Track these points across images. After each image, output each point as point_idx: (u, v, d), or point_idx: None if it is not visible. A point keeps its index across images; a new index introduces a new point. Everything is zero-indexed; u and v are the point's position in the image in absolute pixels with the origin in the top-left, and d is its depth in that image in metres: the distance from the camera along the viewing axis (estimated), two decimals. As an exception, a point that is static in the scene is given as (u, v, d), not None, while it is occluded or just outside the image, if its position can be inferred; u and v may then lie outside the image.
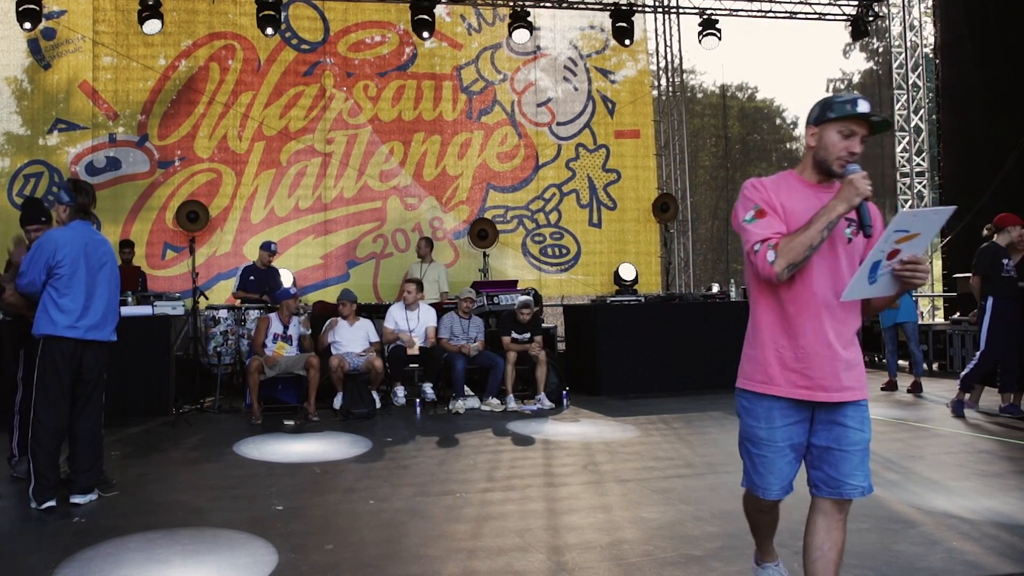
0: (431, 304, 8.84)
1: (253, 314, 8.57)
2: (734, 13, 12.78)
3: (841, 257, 2.62)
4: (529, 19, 11.74)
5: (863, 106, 2.57)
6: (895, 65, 13.93)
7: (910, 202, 13.74)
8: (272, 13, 10.73)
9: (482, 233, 11.60)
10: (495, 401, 8.07)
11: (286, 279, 9.85)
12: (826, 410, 2.65)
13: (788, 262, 2.50)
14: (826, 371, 2.60)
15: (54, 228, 4.77)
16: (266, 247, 9.26)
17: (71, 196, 4.68)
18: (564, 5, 12.32)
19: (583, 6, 12.38)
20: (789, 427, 2.66)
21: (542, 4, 12.22)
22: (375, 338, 8.21)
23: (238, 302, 9.04)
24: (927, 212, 2.47)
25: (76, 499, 4.56)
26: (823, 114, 2.62)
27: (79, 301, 4.54)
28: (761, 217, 2.58)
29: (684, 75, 13.82)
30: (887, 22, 14.11)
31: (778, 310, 2.64)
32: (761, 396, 2.67)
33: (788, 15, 13.03)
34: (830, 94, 2.75)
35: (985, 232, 7.42)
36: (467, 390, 8.23)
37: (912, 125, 13.76)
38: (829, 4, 12.97)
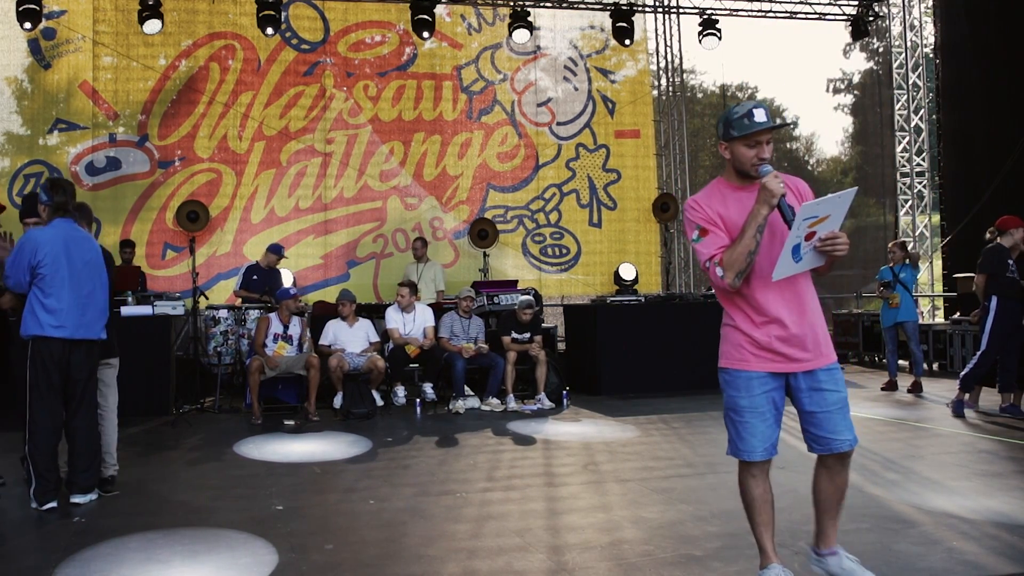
0: (429, 304, 8.84)
1: (253, 314, 8.57)
2: (734, 13, 12.79)
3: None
4: (529, 19, 11.74)
5: (760, 116, 2.89)
6: (895, 65, 13.93)
7: (910, 201, 13.74)
8: (272, 13, 10.74)
9: (482, 233, 11.60)
10: (495, 401, 8.07)
11: (286, 279, 9.85)
12: (802, 377, 2.99)
13: (735, 272, 2.86)
14: (792, 343, 2.95)
15: (33, 228, 4.73)
16: (276, 250, 9.23)
17: (48, 195, 4.66)
18: (564, 5, 12.32)
19: (583, 6, 12.38)
20: (766, 394, 2.99)
21: (542, 4, 12.22)
22: (375, 338, 8.21)
23: (239, 301, 9.04)
24: (831, 198, 2.82)
25: (76, 499, 4.55)
26: (727, 132, 2.95)
27: (64, 300, 4.50)
28: (704, 235, 2.94)
29: (684, 75, 13.82)
30: (887, 22, 14.10)
31: (740, 297, 2.98)
32: (740, 371, 2.99)
33: (788, 15, 13.03)
34: (729, 109, 3.02)
35: (988, 235, 7.41)
36: (467, 390, 8.23)
37: (912, 125, 13.76)
38: (829, 4, 12.98)
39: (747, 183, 2.99)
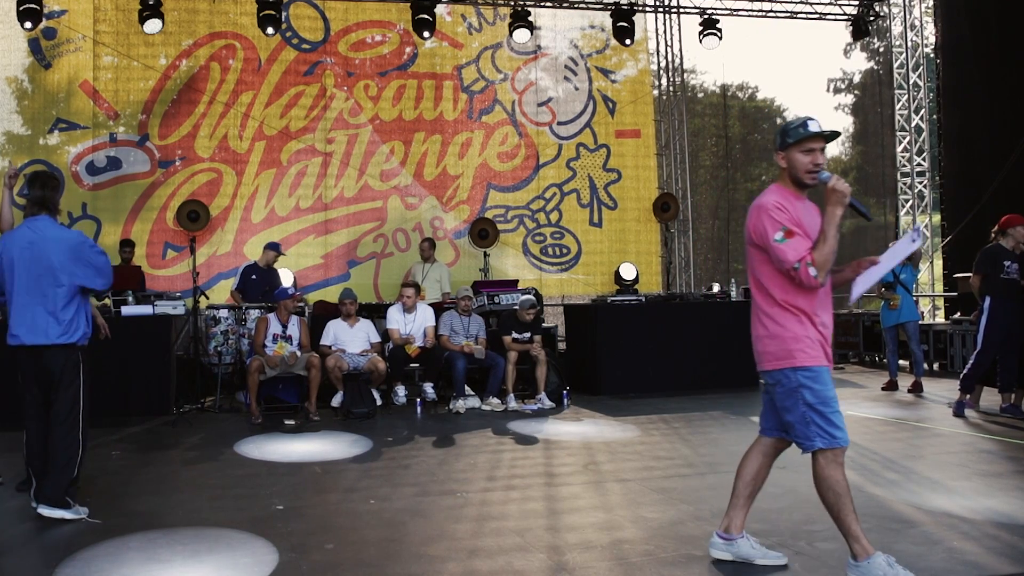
0: (432, 304, 8.84)
1: (254, 313, 8.56)
2: (735, 13, 12.78)
3: None
4: (530, 18, 11.74)
5: (813, 125, 3.21)
6: (896, 65, 13.92)
7: (911, 201, 13.74)
8: (273, 12, 10.73)
9: (483, 233, 11.60)
10: (496, 401, 8.07)
11: (287, 279, 9.85)
12: None
13: (826, 271, 3.13)
14: (830, 343, 3.28)
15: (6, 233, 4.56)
16: (274, 248, 9.24)
17: (26, 190, 4.49)
18: (565, 5, 12.31)
19: (584, 6, 12.37)
20: None
21: (543, 4, 12.21)
22: (376, 338, 8.21)
23: (239, 297, 9.06)
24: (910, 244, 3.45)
25: (41, 509, 4.24)
26: (784, 141, 3.26)
27: (15, 307, 4.33)
28: (790, 237, 3.12)
29: (685, 75, 13.82)
30: (888, 22, 14.10)
31: (804, 299, 3.20)
32: (822, 366, 3.20)
33: (789, 15, 13.02)
34: (786, 121, 3.38)
35: (992, 235, 7.41)
36: (468, 389, 8.23)
37: (913, 125, 13.76)
38: (830, 4, 12.97)
39: (803, 193, 3.30)
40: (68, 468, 4.33)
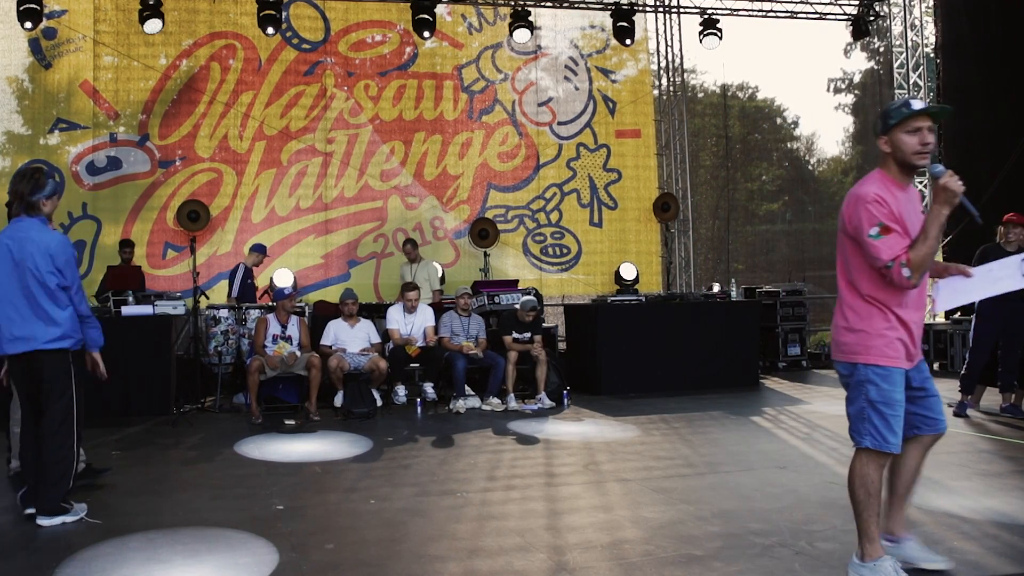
0: (429, 304, 8.84)
1: (254, 313, 8.58)
2: (735, 13, 12.78)
3: None
4: (530, 18, 11.74)
5: (916, 104, 3.01)
6: (896, 65, 13.91)
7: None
8: (273, 12, 10.73)
9: (483, 233, 11.60)
10: (496, 401, 8.07)
11: (287, 279, 9.87)
12: (911, 369, 3.18)
13: (921, 273, 2.97)
14: (917, 342, 3.17)
15: None
16: (260, 250, 9.38)
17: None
18: (565, 5, 12.31)
19: (584, 5, 12.37)
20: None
21: (543, 4, 12.21)
22: (376, 339, 8.21)
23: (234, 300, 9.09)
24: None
25: (40, 520, 4.19)
26: (885, 124, 3.06)
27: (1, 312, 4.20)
28: (887, 234, 2.97)
29: (685, 75, 13.80)
30: (888, 22, 14.08)
31: (892, 298, 3.07)
32: (896, 367, 3.08)
33: (789, 15, 13.02)
34: (887, 103, 3.18)
35: (999, 234, 7.40)
36: (468, 389, 8.23)
37: (913, 125, 13.74)
38: (830, 4, 12.97)
39: (907, 181, 3.12)
40: (63, 481, 4.24)
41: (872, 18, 12.89)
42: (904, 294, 3.08)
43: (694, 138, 17.61)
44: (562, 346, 10.34)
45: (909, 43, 13.78)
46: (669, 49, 13.13)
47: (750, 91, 24.10)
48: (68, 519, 4.22)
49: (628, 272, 11.45)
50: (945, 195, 2.93)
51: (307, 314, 9.00)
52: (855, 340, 3.12)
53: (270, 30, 10.89)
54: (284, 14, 11.23)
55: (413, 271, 9.83)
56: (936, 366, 10.86)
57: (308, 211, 11.53)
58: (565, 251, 12.43)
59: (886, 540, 3.30)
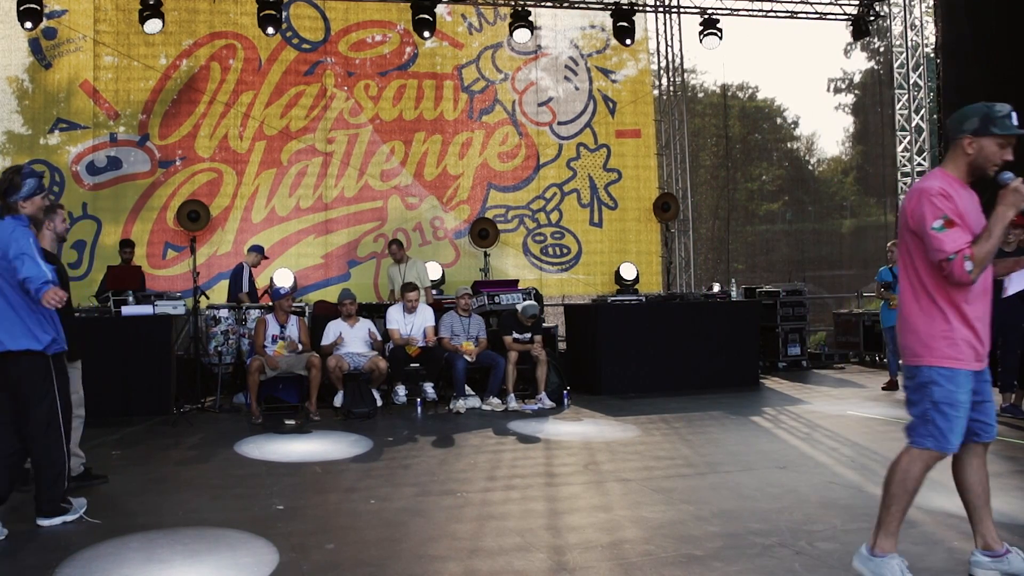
0: (428, 304, 8.83)
1: (254, 313, 8.58)
2: (735, 13, 12.78)
3: None
4: (530, 18, 11.74)
5: (1016, 120, 3.02)
6: (896, 65, 13.92)
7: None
8: (273, 12, 10.73)
9: (483, 233, 11.60)
10: (496, 401, 8.07)
11: (287, 279, 9.85)
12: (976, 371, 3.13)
13: (982, 269, 2.96)
14: (985, 344, 3.11)
15: None
16: (258, 250, 9.42)
17: None
18: (565, 4, 12.32)
19: (584, 5, 12.37)
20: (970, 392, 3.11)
21: (543, 3, 12.21)
22: (376, 338, 8.20)
23: (245, 299, 9.09)
24: None
25: (40, 521, 4.20)
26: (985, 128, 3.02)
27: None
28: (950, 227, 2.94)
29: (685, 74, 13.81)
30: (888, 21, 14.10)
31: (961, 297, 3.04)
32: (963, 369, 3.04)
33: (789, 15, 13.03)
34: (990, 105, 3.10)
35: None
36: (468, 389, 8.23)
37: (913, 125, 13.75)
38: (830, 4, 12.97)
39: (970, 182, 3.12)
40: (58, 482, 4.21)
41: (872, 18, 12.89)
42: (968, 292, 3.03)
43: (694, 138, 17.63)
44: (562, 346, 10.34)
45: (909, 43, 13.78)
46: (669, 49, 13.14)
47: (750, 91, 24.10)
48: (68, 518, 4.23)
49: (628, 272, 11.45)
50: (1013, 198, 2.95)
51: (307, 314, 9.00)
52: (917, 342, 3.11)
53: (270, 30, 10.89)
54: (284, 14, 11.23)
55: (402, 271, 9.75)
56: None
57: (308, 211, 11.53)
58: (565, 251, 12.43)
59: (988, 556, 3.21)
